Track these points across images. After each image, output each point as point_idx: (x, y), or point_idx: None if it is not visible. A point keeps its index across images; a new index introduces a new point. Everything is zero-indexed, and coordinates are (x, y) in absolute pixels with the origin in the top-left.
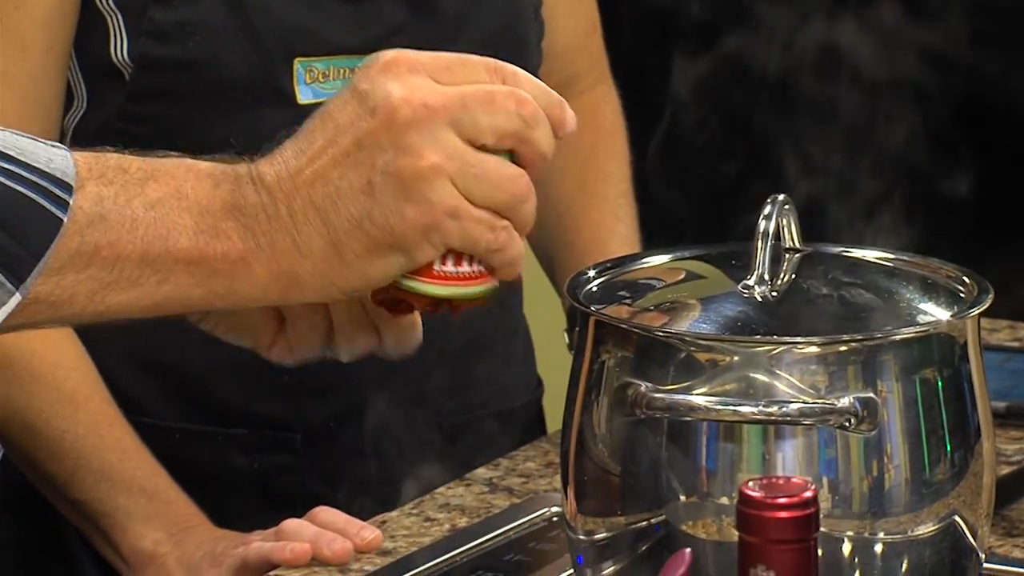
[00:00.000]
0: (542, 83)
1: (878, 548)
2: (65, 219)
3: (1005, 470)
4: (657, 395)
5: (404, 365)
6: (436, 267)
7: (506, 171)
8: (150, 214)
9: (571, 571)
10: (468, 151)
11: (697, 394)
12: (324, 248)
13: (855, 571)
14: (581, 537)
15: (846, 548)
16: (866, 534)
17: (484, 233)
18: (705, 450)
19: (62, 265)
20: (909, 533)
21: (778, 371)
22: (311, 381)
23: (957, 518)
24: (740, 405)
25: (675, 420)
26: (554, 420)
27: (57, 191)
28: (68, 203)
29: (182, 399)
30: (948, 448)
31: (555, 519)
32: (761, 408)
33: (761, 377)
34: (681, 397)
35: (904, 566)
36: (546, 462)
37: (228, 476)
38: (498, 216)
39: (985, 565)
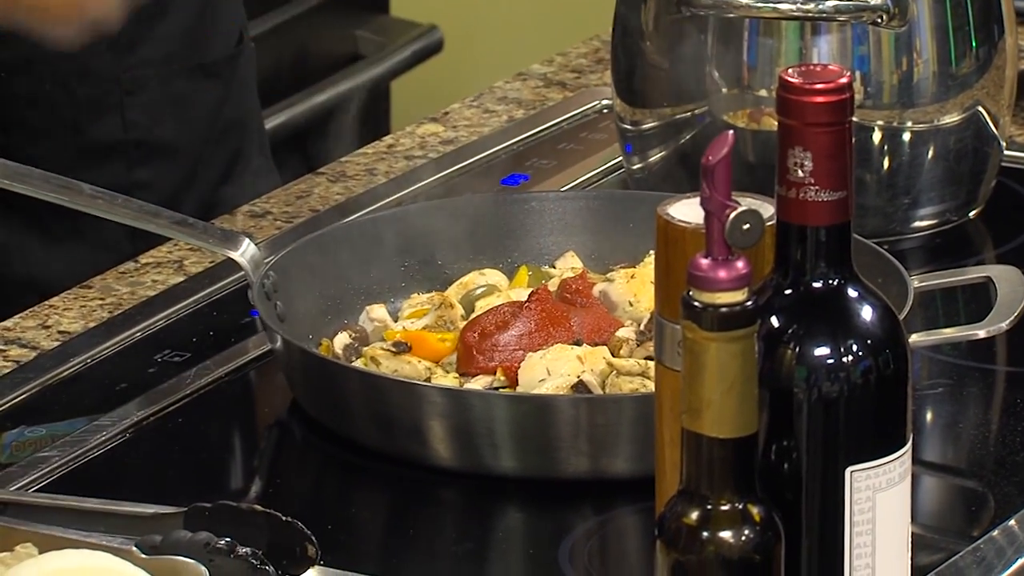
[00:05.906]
0: None
1: (906, 136)
2: None
3: None
4: None
5: None
6: None
7: None
8: None
9: (620, 158)
10: None
11: None
12: None
13: (885, 157)
14: (629, 127)
15: (876, 136)
16: (895, 123)
17: None
18: (746, 45)
19: None
20: (935, 122)
21: None
22: None
23: (980, 109)
24: (779, 3)
25: (719, 17)
26: (599, 20)
27: None
28: None
29: None
30: (973, 43)
31: (605, 111)
32: (799, 5)
33: None
34: None
35: (930, 153)
36: (597, 59)
37: None
38: None
39: (1005, 152)
